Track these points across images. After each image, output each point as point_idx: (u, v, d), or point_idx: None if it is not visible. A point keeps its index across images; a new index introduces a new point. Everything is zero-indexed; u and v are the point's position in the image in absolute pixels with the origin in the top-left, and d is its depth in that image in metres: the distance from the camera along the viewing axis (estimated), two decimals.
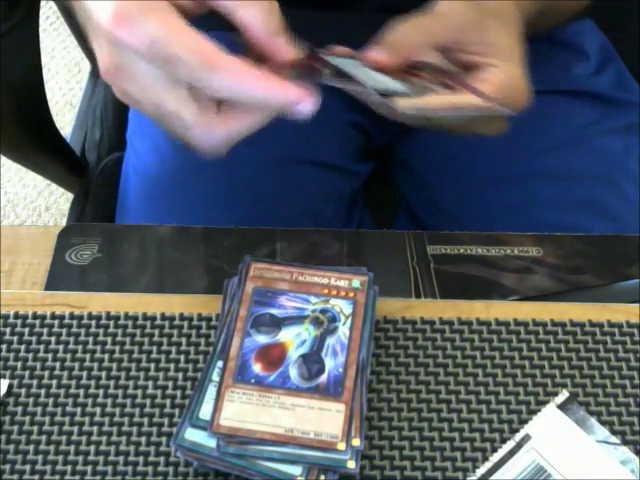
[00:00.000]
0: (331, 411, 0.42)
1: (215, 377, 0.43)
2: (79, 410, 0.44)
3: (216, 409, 0.41)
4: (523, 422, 0.44)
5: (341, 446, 0.40)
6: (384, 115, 0.48)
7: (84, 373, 0.46)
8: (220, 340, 0.45)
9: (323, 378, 0.43)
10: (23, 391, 0.45)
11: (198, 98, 0.40)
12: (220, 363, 0.44)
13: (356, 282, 0.47)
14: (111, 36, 0.38)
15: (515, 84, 0.47)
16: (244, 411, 0.41)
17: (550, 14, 0.57)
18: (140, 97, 0.40)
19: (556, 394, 0.45)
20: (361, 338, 0.44)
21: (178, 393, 0.45)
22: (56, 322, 0.47)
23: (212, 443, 0.41)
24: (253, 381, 0.43)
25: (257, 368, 0.43)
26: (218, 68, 0.37)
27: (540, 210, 0.64)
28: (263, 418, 0.41)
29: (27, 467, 0.42)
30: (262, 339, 0.44)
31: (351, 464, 0.40)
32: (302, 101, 0.39)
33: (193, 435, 0.41)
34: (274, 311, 0.45)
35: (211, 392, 0.43)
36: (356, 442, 0.41)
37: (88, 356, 0.46)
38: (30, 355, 0.46)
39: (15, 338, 0.47)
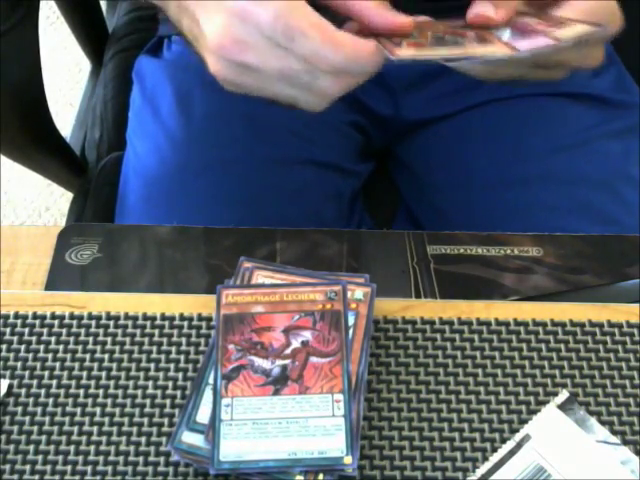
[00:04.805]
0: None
1: (212, 380, 0.43)
2: (79, 410, 0.44)
3: (214, 446, 0.41)
4: (523, 422, 0.44)
5: (348, 460, 0.40)
6: (477, 76, 0.48)
7: (84, 373, 0.46)
8: (213, 352, 0.44)
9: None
10: (23, 391, 0.45)
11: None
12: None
13: (359, 293, 0.46)
14: (237, 8, 0.41)
15: (603, 4, 0.46)
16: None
17: None
18: (261, 65, 0.42)
19: (556, 394, 0.45)
20: (362, 350, 0.44)
21: (178, 393, 0.45)
22: (56, 322, 0.47)
23: (209, 445, 0.41)
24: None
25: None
26: (337, 44, 0.41)
27: (539, 214, 0.64)
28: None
29: (27, 467, 0.42)
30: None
31: (347, 459, 0.40)
32: None
33: (190, 438, 0.41)
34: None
35: (208, 395, 0.43)
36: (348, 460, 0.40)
37: (88, 356, 0.46)
38: (30, 355, 0.46)
39: (15, 338, 0.47)
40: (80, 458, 0.43)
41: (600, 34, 0.45)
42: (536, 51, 0.43)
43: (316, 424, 0.41)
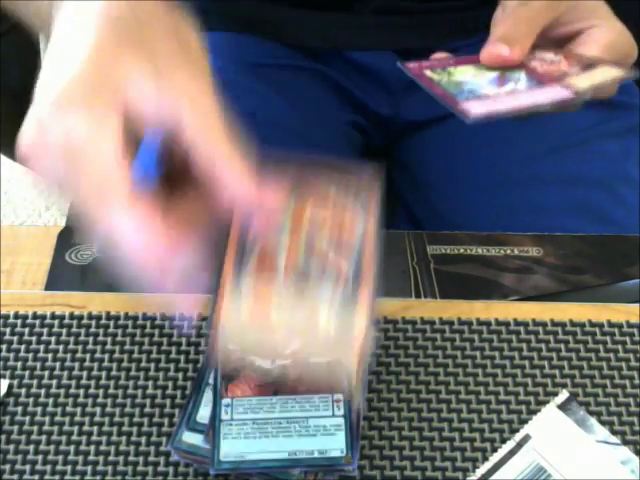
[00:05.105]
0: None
1: (211, 380, 0.43)
2: (79, 410, 0.44)
3: (214, 446, 0.41)
4: (523, 422, 0.44)
5: (348, 460, 0.40)
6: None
7: (84, 373, 0.46)
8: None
9: None
10: (23, 391, 0.45)
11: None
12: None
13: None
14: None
15: (622, 38, 0.46)
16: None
17: None
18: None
19: (556, 394, 0.45)
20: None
21: (178, 393, 0.45)
22: (56, 322, 0.47)
23: (209, 445, 0.41)
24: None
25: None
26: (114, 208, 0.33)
27: (538, 214, 0.64)
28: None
29: (27, 467, 0.42)
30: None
31: (347, 458, 0.40)
32: None
33: (190, 438, 0.41)
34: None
35: (208, 395, 0.43)
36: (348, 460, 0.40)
37: (88, 356, 0.46)
38: (30, 355, 0.46)
39: (15, 338, 0.47)
40: (80, 458, 0.43)
41: (619, 78, 0.45)
42: (556, 104, 0.42)
43: (316, 424, 0.41)
